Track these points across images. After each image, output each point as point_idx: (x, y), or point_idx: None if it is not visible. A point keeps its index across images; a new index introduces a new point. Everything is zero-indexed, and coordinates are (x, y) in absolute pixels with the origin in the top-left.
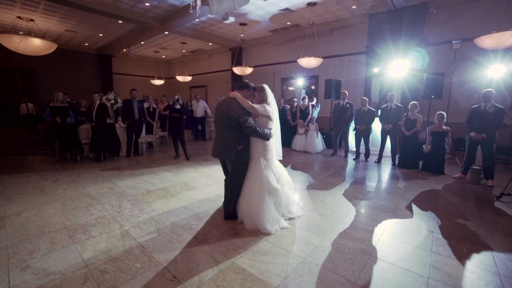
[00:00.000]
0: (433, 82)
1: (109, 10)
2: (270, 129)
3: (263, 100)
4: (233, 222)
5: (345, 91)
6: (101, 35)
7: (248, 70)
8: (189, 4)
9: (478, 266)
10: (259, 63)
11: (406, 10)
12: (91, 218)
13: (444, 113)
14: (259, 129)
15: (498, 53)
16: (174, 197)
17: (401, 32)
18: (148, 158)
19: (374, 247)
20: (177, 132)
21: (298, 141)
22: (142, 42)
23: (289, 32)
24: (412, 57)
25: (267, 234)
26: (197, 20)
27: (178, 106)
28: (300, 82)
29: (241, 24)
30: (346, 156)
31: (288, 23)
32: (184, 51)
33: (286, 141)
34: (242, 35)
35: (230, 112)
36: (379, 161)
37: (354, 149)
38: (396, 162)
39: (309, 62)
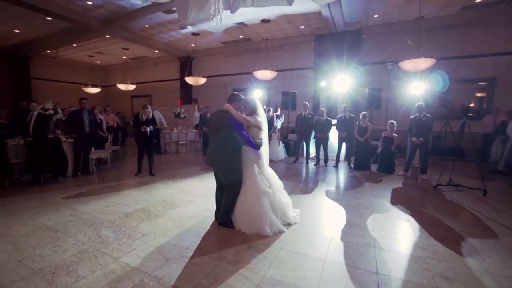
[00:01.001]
0: (373, 96)
1: (39, 4)
2: (261, 139)
3: (253, 111)
4: (241, 235)
5: (307, 103)
6: (17, 31)
7: (202, 80)
8: (142, 7)
9: (451, 241)
10: (211, 74)
11: (346, 33)
12: (67, 255)
13: (395, 122)
14: (252, 140)
15: (417, 74)
16: (160, 218)
17: (343, 52)
18: (103, 177)
19: (374, 239)
20: (147, 145)
21: None
22: (75, 44)
23: (240, 45)
24: (353, 74)
25: (267, 236)
26: (146, 25)
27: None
28: (257, 93)
29: (193, 34)
30: (307, 162)
31: (241, 36)
32: (125, 57)
33: None
34: (193, 45)
35: (225, 125)
36: (336, 165)
37: (313, 155)
38: (352, 165)
39: (264, 74)
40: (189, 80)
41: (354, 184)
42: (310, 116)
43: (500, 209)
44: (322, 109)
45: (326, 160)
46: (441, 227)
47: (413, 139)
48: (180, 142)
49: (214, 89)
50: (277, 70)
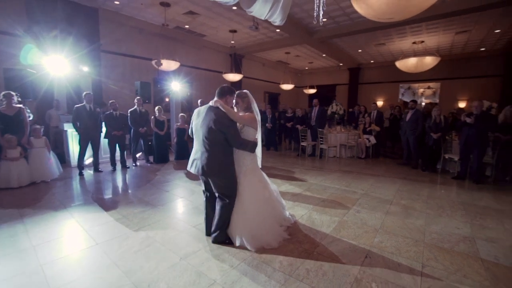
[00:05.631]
0: (144, 89)
1: None
2: (256, 138)
3: (247, 107)
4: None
5: (90, 92)
6: None
7: None
8: None
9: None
10: None
11: (80, 7)
12: None
13: (185, 115)
14: (247, 142)
15: (174, 73)
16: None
17: (73, 27)
18: None
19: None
20: None
21: (13, 171)
22: None
23: None
24: (85, 58)
25: (273, 248)
26: None
27: None
28: None
29: None
30: (98, 170)
31: None
32: None
33: None
34: None
35: (215, 126)
36: (135, 164)
37: (89, 161)
38: (151, 160)
39: None
40: None
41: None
42: (98, 110)
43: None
44: (113, 100)
45: (123, 162)
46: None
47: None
48: None
49: None
50: None
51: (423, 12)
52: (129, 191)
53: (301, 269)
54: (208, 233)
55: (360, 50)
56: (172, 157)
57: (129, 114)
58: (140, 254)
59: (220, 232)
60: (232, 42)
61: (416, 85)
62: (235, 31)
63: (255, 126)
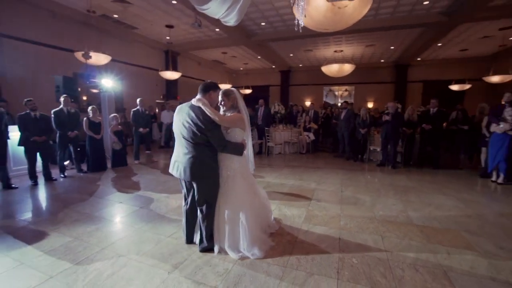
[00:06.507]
0: (69, 83)
1: None
2: (245, 140)
3: (234, 106)
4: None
5: None
6: None
7: None
8: None
9: None
10: None
11: None
12: None
13: (118, 115)
14: (232, 145)
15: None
16: None
17: None
18: None
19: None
20: None
21: None
22: None
23: None
24: None
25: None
26: None
27: None
28: None
29: None
30: (10, 187)
31: None
32: None
33: None
34: None
35: (196, 128)
36: (64, 176)
37: None
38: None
39: None
40: None
41: (145, 182)
42: (1, 110)
43: None
44: (31, 99)
45: (44, 175)
46: None
47: (141, 129)
48: None
49: None
50: None
51: (348, 26)
52: (70, 208)
53: (292, 259)
54: (190, 241)
55: (291, 54)
56: (109, 164)
57: (53, 116)
58: (116, 277)
59: (210, 241)
60: (168, 38)
61: (336, 87)
62: (172, 27)
63: (243, 126)
